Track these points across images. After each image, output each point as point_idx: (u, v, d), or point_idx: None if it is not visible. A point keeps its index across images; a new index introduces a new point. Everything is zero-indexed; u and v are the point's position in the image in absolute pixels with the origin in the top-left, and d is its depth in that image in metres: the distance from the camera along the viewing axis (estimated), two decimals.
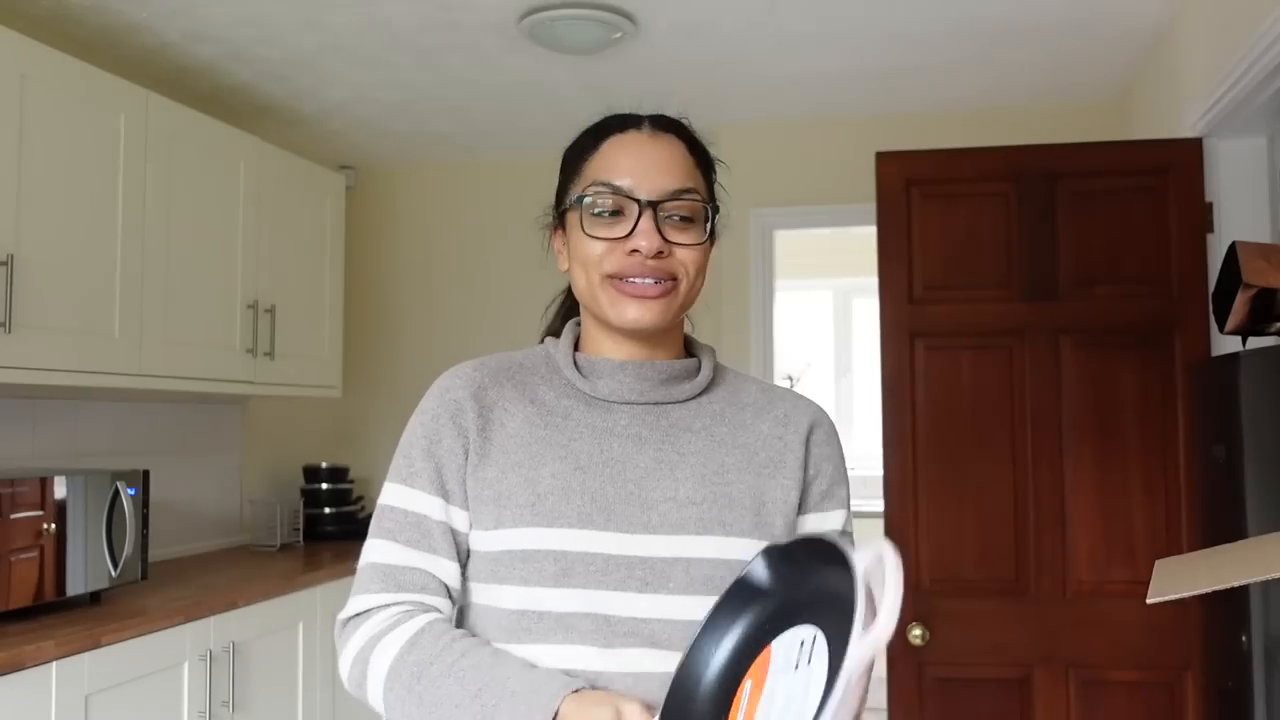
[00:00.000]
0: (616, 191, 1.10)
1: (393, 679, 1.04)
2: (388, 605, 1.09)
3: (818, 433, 1.18)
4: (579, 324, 1.21)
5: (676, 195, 1.11)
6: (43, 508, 2.26)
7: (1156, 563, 1.37)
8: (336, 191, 3.64)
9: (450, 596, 1.12)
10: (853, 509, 1.22)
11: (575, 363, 1.16)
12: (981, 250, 2.56)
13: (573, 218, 1.13)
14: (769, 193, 3.75)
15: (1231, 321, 2.01)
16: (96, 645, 2.12)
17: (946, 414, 2.53)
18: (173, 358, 2.79)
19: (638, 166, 1.11)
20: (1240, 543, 1.46)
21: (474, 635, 1.08)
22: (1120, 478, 2.46)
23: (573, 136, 1.20)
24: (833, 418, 1.23)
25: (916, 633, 2.49)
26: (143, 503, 2.55)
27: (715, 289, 3.91)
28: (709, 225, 1.14)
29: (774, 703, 0.88)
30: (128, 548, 2.48)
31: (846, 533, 1.18)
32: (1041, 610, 2.47)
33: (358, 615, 1.11)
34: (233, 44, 2.95)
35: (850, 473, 1.23)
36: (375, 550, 1.13)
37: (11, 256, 2.29)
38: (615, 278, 1.10)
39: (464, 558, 1.13)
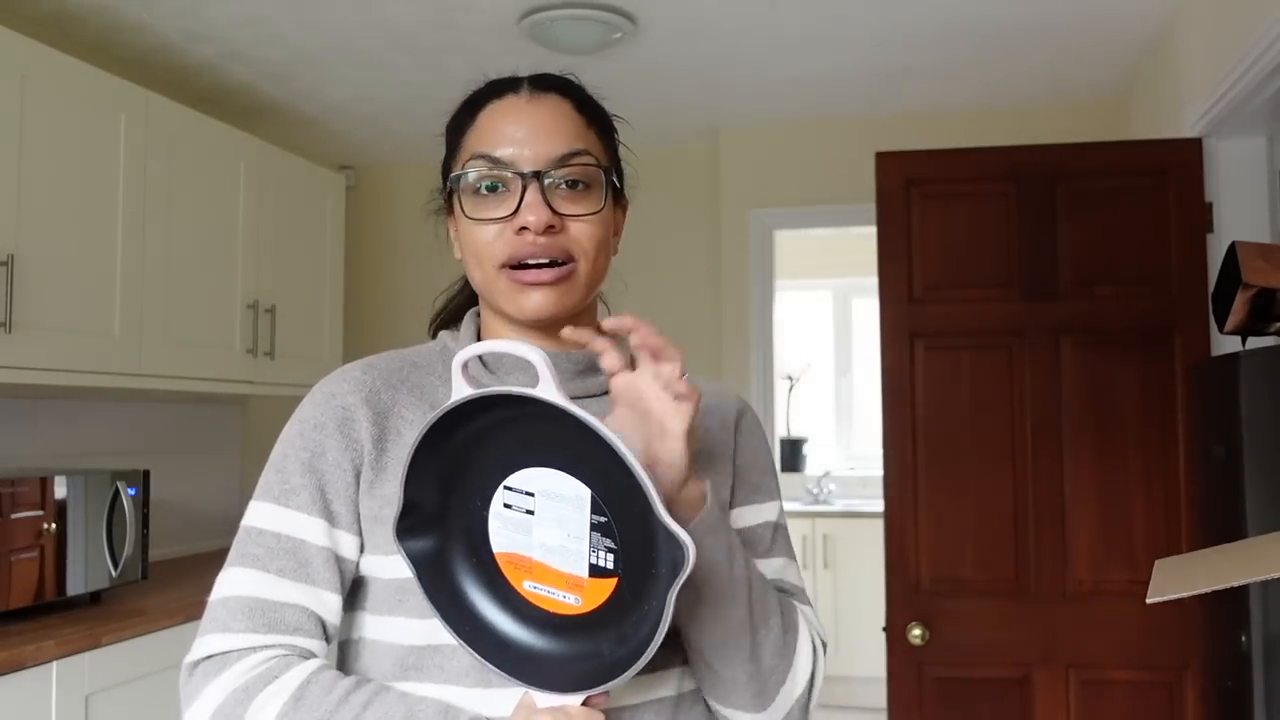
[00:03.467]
0: (496, 164, 0.98)
1: None
2: (255, 649, 0.91)
3: (744, 422, 1.10)
4: (479, 315, 1.08)
5: (564, 161, 0.98)
6: (43, 508, 2.26)
7: (1156, 563, 1.37)
8: (336, 191, 3.65)
9: (326, 637, 0.96)
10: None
11: (480, 358, 1.03)
12: (981, 250, 2.56)
13: (456, 201, 1.01)
14: (769, 193, 3.75)
15: (1231, 321, 2.01)
16: (97, 645, 2.12)
17: (946, 414, 2.53)
18: (173, 358, 2.79)
19: (517, 133, 0.98)
20: (1240, 543, 1.46)
21: (366, 679, 0.92)
22: (1120, 478, 2.46)
23: None
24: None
25: (916, 633, 2.49)
26: (143, 503, 2.55)
27: (715, 289, 3.91)
28: (606, 190, 1.00)
29: (553, 547, 0.84)
30: (128, 548, 2.48)
31: (780, 526, 1.11)
32: (1041, 610, 2.47)
33: (211, 658, 0.92)
34: (233, 44, 2.96)
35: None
36: (238, 581, 0.94)
37: (11, 256, 2.29)
38: (510, 267, 0.98)
39: (346, 589, 0.97)
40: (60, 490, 2.31)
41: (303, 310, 3.43)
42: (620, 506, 0.81)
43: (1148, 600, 1.19)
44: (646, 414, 0.88)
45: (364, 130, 3.78)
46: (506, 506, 0.85)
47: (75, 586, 2.33)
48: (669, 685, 0.98)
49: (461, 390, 0.84)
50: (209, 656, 0.92)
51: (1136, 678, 2.44)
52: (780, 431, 5.46)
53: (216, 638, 0.92)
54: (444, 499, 0.88)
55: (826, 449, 5.78)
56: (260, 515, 0.97)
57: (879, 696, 3.20)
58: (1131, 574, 2.43)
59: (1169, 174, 2.50)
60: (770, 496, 1.11)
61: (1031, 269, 2.53)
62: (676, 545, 0.77)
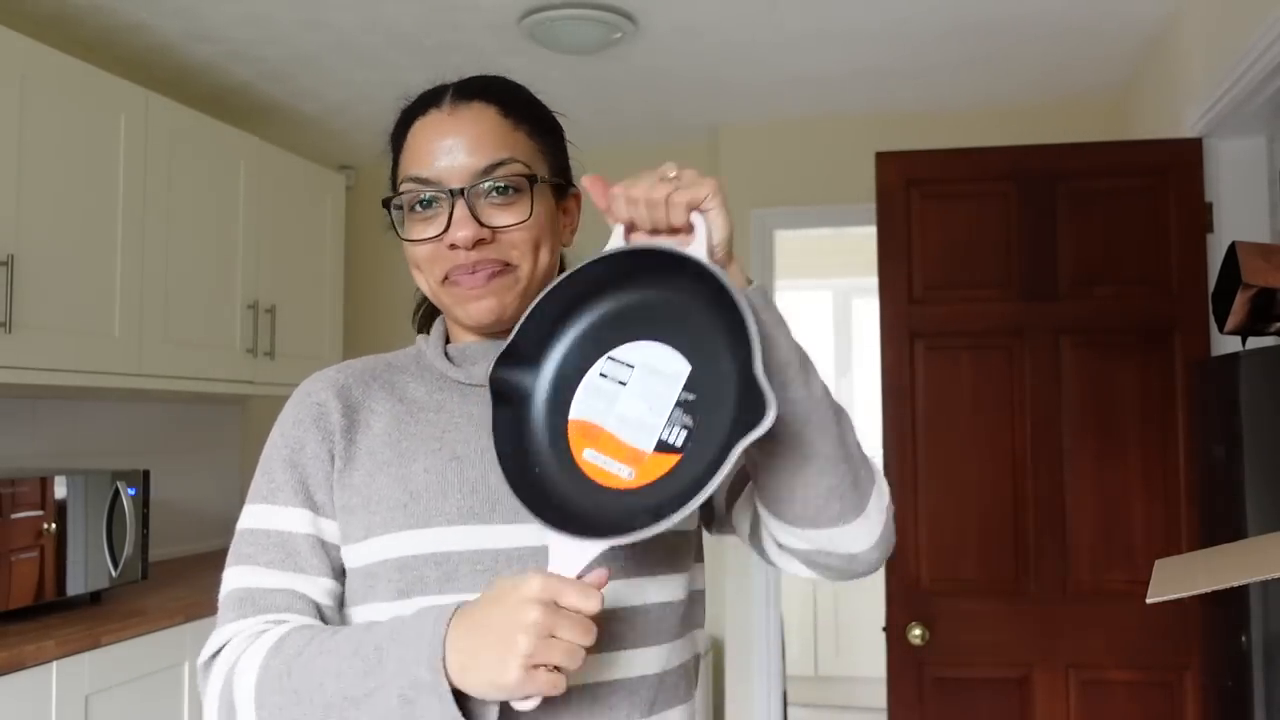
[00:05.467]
0: (425, 184, 0.99)
1: (262, 691, 0.90)
2: (246, 630, 0.96)
3: None
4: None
5: (488, 171, 0.98)
6: (43, 508, 2.26)
7: (1156, 563, 1.37)
8: (336, 191, 3.65)
9: (323, 618, 0.99)
10: None
11: (446, 354, 1.07)
12: (981, 250, 2.56)
13: (396, 221, 1.03)
14: (769, 193, 3.75)
15: (1231, 321, 2.01)
16: (97, 645, 2.12)
17: (946, 414, 2.53)
18: (173, 358, 2.79)
19: (439, 150, 0.99)
20: (1240, 543, 1.46)
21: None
22: (1120, 478, 2.46)
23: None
24: None
25: (916, 633, 2.49)
26: (143, 503, 2.55)
27: None
28: (532, 195, 1.00)
29: (629, 420, 0.87)
30: (128, 547, 2.48)
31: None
32: (1041, 610, 2.47)
33: (216, 654, 0.97)
34: (233, 44, 2.96)
35: None
36: (232, 581, 1.00)
37: (12, 256, 2.29)
38: (449, 279, 1.00)
39: (339, 573, 1.01)
40: (60, 490, 2.31)
41: (303, 310, 3.43)
42: (711, 384, 0.84)
43: (1148, 600, 1.19)
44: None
45: (364, 130, 3.77)
46: (602, 375, 0.89)
47: (75, 586, 2.33)
48: (653, 662, 0.98)
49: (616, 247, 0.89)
50: (215, 653, 0.97)
51: (1136, 678, 2.44)
52: None
53: (216, 636, 0.98)
54: (545, 352, 0.92)
55: None
56: (251, 517, 1.01)
57: (879, 696, 3.20)
58: (1131, 574, 2.43)
59: (1169, 174, 2.50)
60: None
61: (1031, 269, 2.53)
62: (759, 402, 0.79)
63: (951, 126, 3.55)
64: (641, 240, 0.91)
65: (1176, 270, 2.48)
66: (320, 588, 0.99)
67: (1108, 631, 2.44)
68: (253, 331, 3.13)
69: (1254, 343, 2.07)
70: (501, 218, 0.99)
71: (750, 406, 0.80)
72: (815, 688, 5.11)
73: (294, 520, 0.99)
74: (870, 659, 4.84)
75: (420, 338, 1.12)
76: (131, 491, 2.51)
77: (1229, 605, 2.04)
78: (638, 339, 0.89)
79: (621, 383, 0.89)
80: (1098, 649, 2.44)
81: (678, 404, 0.86)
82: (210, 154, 2.98)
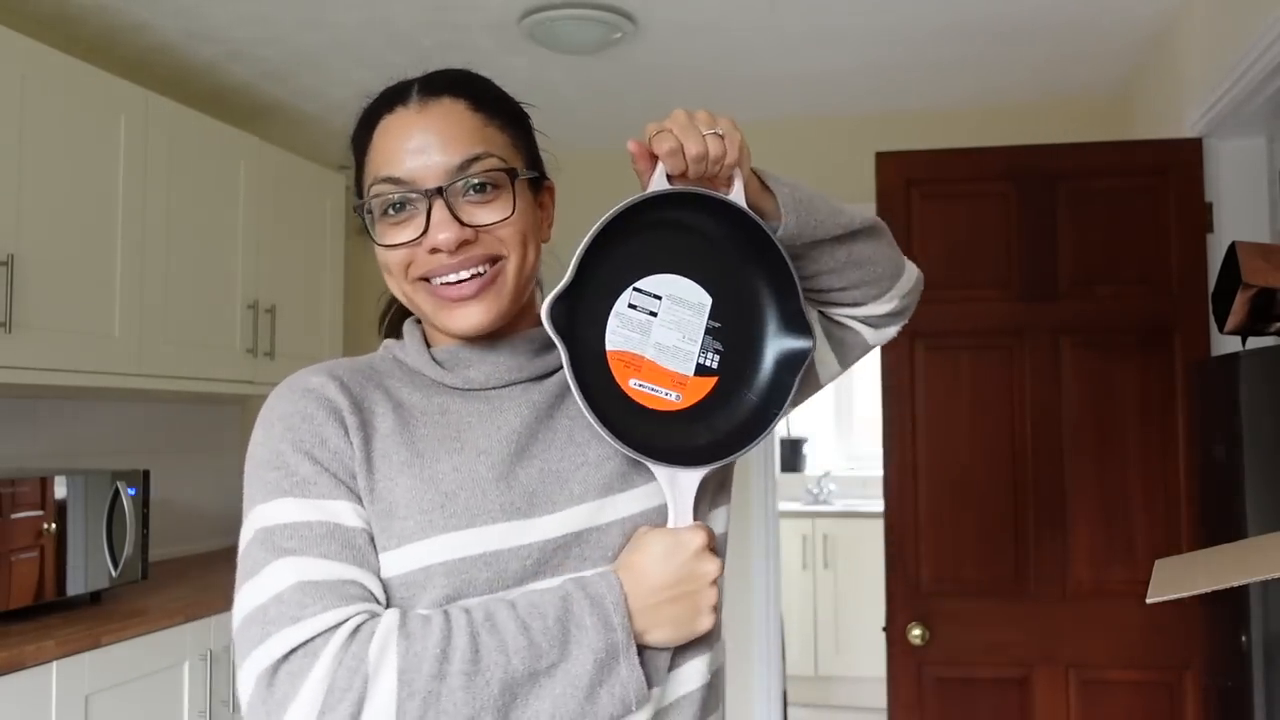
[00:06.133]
0: (398, 184, 0.94)
1: (406, 687, 0.81)
2: (339, 624, 0.83)
3: None
4: (420, 321, 1.05)
5: (464, 168, 0.94)
6: (43, 508, 2.26)
7: (1156, 563, 1.37)
8: (336, 191, 3.65)
9: None
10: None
11: (433, 358, 1.01)
12: (981, 250, 2.56)
13: (368, 225, 0.98)
14: None
15: (1231, 321, 2.01)
16: (97, 645, 2.12)
17: (946, 414, 2.53)
18: (173, 358, 2.79)
19: (410, 149, 0.94)
20: (1240, 543, 1.46)
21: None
22: (1120, 478, 2.46)
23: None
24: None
25: (916, 633, 2.49)
26: (143, 503, 2.55)
27: None
28: (513, 189, 0.96)
29: (666, 347, 0.95)
30: (128, 547, 2.48)
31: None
32: (1041, 610, 2.47)
33: (293, 652, 0.82)
34: (233, 44, 2.96)
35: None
36: (285, 574, 0.85)
37: (12, 256, 2.29)
38: (429, 283, 0.95)
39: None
40: (60, 490, 2.31)
41: (303, 310, 3.43)
42: (732, 313, 0.97)
43: (1148, 600, 1.19)
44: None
45: None
46: (631, 307, 0.95)
47: (75, 586, 2.33)
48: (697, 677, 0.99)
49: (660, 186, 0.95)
50: (290, 651, 0.82)
51: (1136, 678, 2.44)
52: (780, 432, 5.46)
53: (289, 630, 0.82)
54: (580, 288, 0.95)
55: (826, 449, 5.78)
56: (278, 511, 0.88)
57: (879, 696, 3.20)
58: (1131, 574, 2.43)
59: (1169, 174, 2.50)
60: None
61: (1031, 269, 2.53)
62: (804, 331, 0.97)
63: (951, 126, 3.55)
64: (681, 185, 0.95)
65: (1176, 270, 2.48)
66: (379, 587, 0.89)
67: (1108, 631, 2.44)
68: (253, 331, 3.13)
69: (1254, 343, 2.07)
70: (483, 215, 0.94)
71: (795, 334, 0.98)
72: (815, 688, 5.11)
73: (340, 512, 0.89)
74: (870, 659, 4.84)
75: (391, 343, 1.05)
76: (131, 491, 2.51)
77: (1229, 605, 2.04)
78: (657, 272, 0.95)
79: (652, 313, 0.95)
80: (1098, 649, 2.44)
81: (706, 331, 0.96)
82: (210, 154, 2.98)
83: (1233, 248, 2.00)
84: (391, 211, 0.96)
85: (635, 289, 0.94)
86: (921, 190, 2.59)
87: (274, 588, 0.85)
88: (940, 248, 2.57)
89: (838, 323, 1.12)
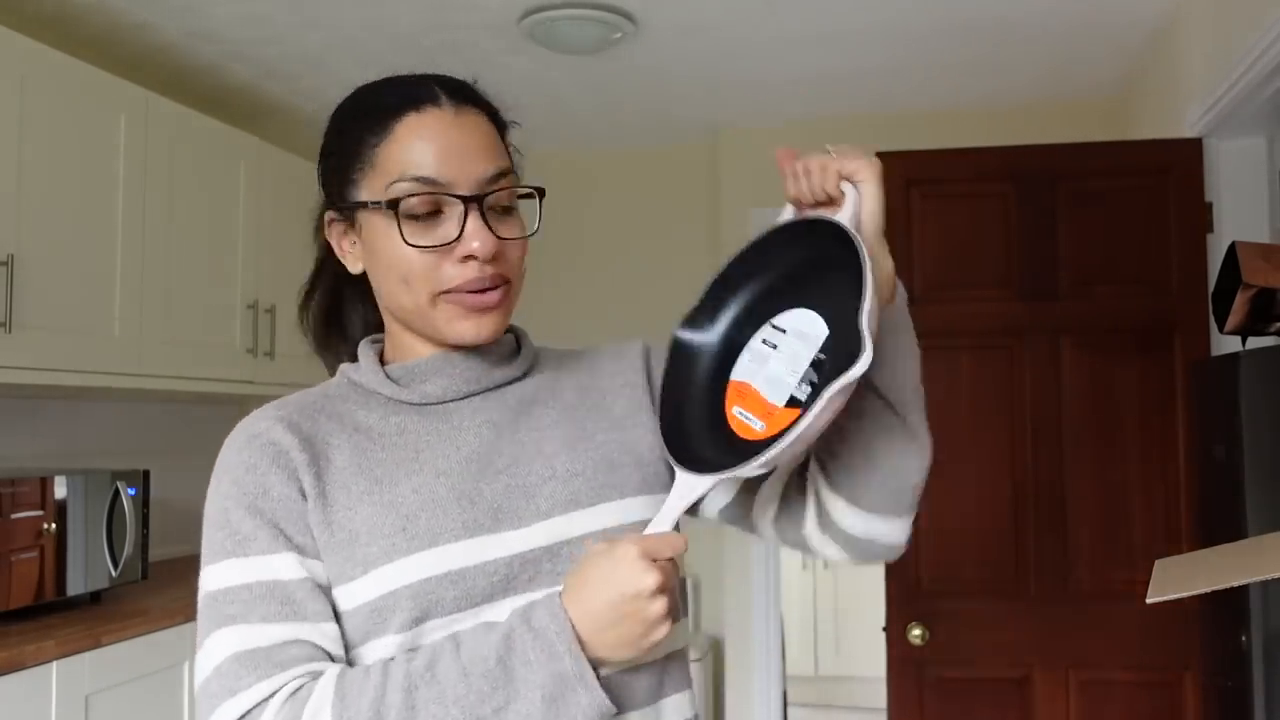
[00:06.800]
0: (434, 186, 0.92)
1: None
2: (274, 693, 0.85)
3: (653, 357, 1.07)
4: (376, 342, 1.04)
5: (494, 182, 0.94)
6: (43, 508, 2.26)
7: (1156, 563, 1.37)
8: None
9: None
10: None
11: (388, 376, 0.99)
12: (981, 250, 2.56)
13: (376, 220, 0.94)
14: (769, 193, 3.74)
15: (1231, 321, 2.01)
16: (97, 645, 2.13)
17: (946, 414, 2.53)
18: (173, 358, 2.79)
19: (449, 153, 0.92)
20: (1240, 543, 1.46)
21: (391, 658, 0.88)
22: (1120, 478, 2.46)
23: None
24: None
25: (916, 633, 2.49)
26: (143, 503, 2.55)
27: None
28: (540, 213, 0.97)
29: (773, 379, 0.93)
30: (128, 547, 2.48)
31: None
32: (1041, 610, 2.47)
33: None
34: (234, 44, 2.96)
35: None
36: (224, 644, 0.86)
37: (12, 256, 2.29)
38: (454, 292, 0.93)
39: (336, 618, 0.91)
40: (60, 490, 2.31)
41: None
42: (840, 345, 0.91)
43: (1148, 600, 1.19)
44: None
45: None
46: (764, 342, 0.95)
47: (75, 586, 2.33)
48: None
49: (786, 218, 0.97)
50: None
51: (1136, 678, 2.44)
52: None
53: (228, 704, 0.85)
54: (716, 316, 0.97)
55: None
56: (221, 575, 0.89)
57: (879, 696, 3.20)
58: (1131, 574, 2.43)
59: (1169, 174, 2.50)
60: None
61: (1031, 269, 2.53)
62: (858, 348, 0.84)
63: (951, 126, 3.55)
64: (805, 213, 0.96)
65: (1176, 270, 2.48)
66: (327, 635, 0.89)
67: (1108, 631, 2.44)
68: (253, 331, 3.13)
69: (1254, 343, 2.07)
70: (507, 231, 0.95)
71: (850, 354, 0.84)
72: (815, 688, 5.11)
73: (279, 567, 0.89)
74: (870, 659, 4.83)
75: (347, 367, 1.04)
76: (131, 491, 2.51)
77: (1229, 605, 2.04)
78: (795, 306, 0.95)
79: (774, 346, 0.94)
80: (1098, 649, 2.44)
81: (811, 364, 0.91)
82: (210, 154, 2.98)
83: (1233, 248, 2.00)
84: (422, 216, 0.92)
85: (771, 325, 0.95)
86: (921, 190, 2.59)
87: (214, 660, 0.87)
88: (940, 248, 2.57)
89: (798, 490, 1.05)
